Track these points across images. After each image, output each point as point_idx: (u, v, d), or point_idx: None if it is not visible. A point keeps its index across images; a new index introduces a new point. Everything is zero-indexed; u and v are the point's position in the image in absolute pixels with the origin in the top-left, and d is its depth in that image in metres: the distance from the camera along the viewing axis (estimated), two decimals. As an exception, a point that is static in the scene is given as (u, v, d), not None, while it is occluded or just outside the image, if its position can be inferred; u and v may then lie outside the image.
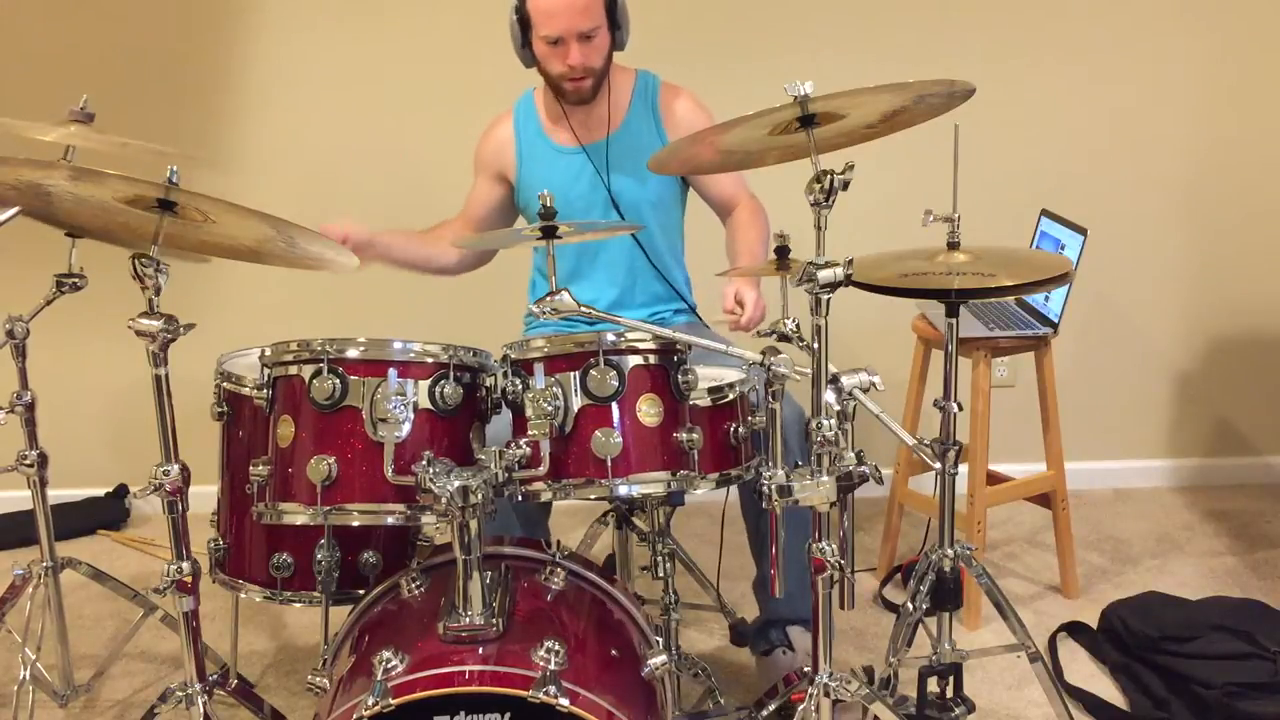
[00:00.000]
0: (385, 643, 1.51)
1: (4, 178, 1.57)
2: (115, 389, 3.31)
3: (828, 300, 1.47)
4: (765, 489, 1.50)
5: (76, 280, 2.11)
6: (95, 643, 2.59)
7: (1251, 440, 3.33)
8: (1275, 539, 2.95)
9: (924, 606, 1.94)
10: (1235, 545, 2.92)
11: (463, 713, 1.43)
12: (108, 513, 3.31)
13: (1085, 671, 2.34)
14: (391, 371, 1.60)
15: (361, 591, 1.83)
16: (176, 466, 1.60)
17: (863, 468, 1.52)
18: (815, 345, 1.49)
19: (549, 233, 1.73)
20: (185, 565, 1.63)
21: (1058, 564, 2.69)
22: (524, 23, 2.19)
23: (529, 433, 1.57)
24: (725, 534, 2.29)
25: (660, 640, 1.77)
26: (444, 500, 1.50)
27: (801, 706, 1.64)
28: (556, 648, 1.48)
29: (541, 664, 1.47)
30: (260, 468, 1.66)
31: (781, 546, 1.60)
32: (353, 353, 1.62)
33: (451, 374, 1.64)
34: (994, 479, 2.67)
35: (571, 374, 1.61)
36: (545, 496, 1.62)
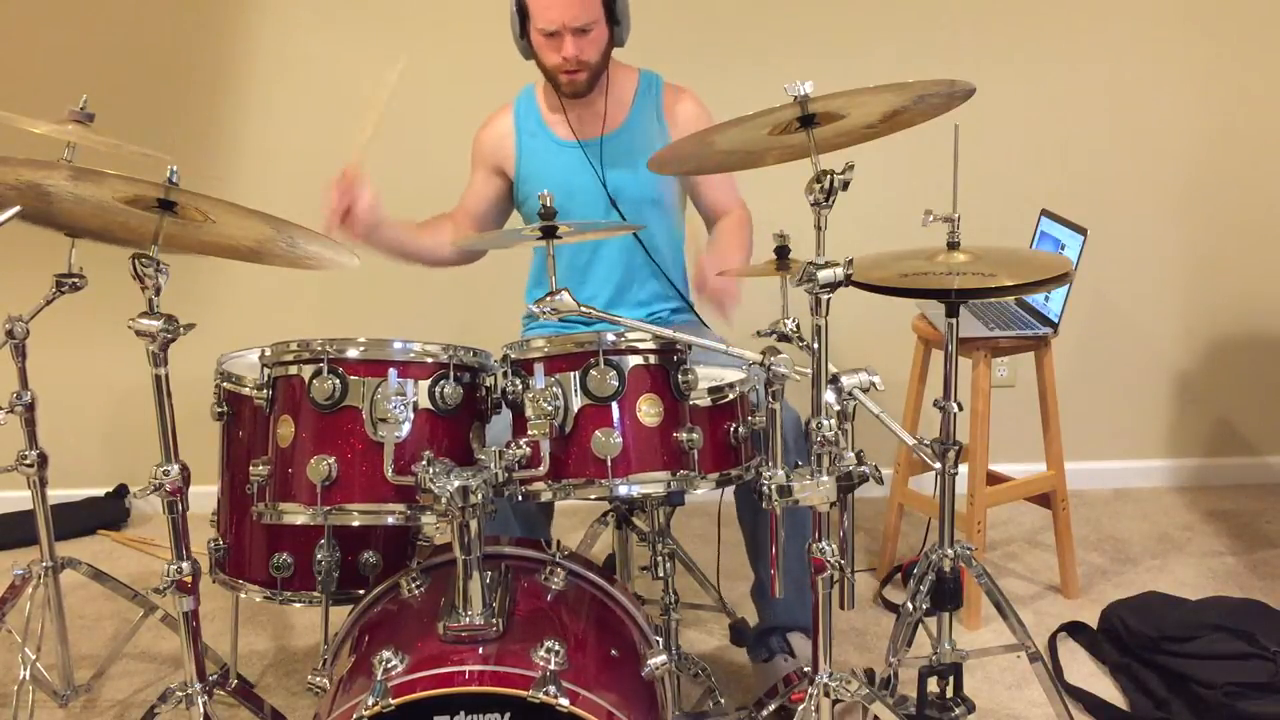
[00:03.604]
0: (385, 643, 1.52)
1: (4, 178, 1.57)
2: (115, 389, 3.31)
3: (828, 300, 1.47)
4: (765, 489, 1.50)
5: (76, 280, 2.11)
6: (95, 643, 2.59)
7: (1251, 440, 3.33)
8: (1275, 539, 2.95)
9: (924, 606, 1.94)
10: (1235, 545, 2.92)
11: (463, 713, 1.43)
12: (108, 513, 3.31)
13: (1085, 671, 2.34)
14: (391, 371, 1.60)
15: (361, 591, 1.83)
16: (176, 466, 1.60)
17: (863, 468, 1.52)
18: (815, 345, 1.49)
19: (549, 233, 1.73)
20: (185, 565, 1.63)
21: (1058, 564, 2.69)
22: (522, 13, 2.19)
23: (529, 433, 1.57)
24: (726, 533, 2.29)
25: (660, 640, 1.77)
26: (444, 500, 1.50)
27: (801, 707, 1.64)
28: (556, 648, 1.49)
29: (541, 664, 1.47)
30: (260, 468, 1.66)
31: (781, 546, 1.60)
32: (353, 353, 1.62)
33: (451, 374, 1.64)
34: (994, 479, 2.67)
35: (571, 374, 1.61)
36: (545, 496, 1.62)
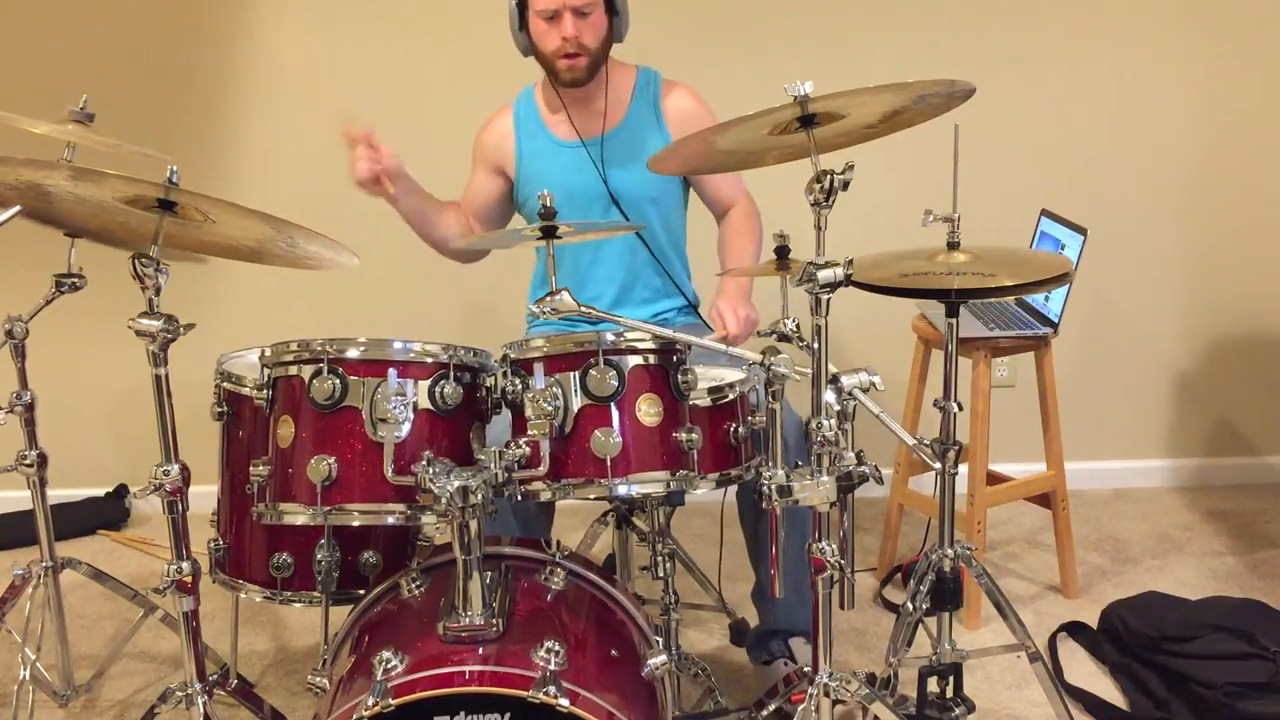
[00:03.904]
0: (385, 643, 1.52)
1: (4, 178, 1.57)
2: (115, 389, 3.31)
3: (828, 300, 1.47)
4: (765, 489, 1.50)
5: (76, 280, 2.11)
6: (95, 643, 2.59)
7: (1251, 440, 3.33)
8: (1275, 539, 2.95)
9: (924, 606, 1.94)
10: (1235, 545, 2.92)
11: (463, 713, 1.43)
12: (108, 513, 3.31)
13: (1085, 671, 2.34)
14: (391, 371, 1.60)
15: (361, 591, 1.83)
16: (176, 466, 1.60)
17: (863, 468, 1.52)
18: (815, 345, 1.49)
19: (549, 233, 1.73)
20: (185, 565, 1.63)
21: (1058, 564, 2.69)
22: (521, 3, 2.20)
23: (529, 433, 1.57)
24: (726, 533, 2.29)
25: (660, 640, 1.77)
26: (444, 500, 1.50)
27: (801, 707, 1.64)
28: (556, 648, 1.48)
29: (541, 664, 1.47)
30: (260, 468, 1.66)
31: (781, 546, 1.60)
32: (353, 353, 1.62)
33: (451, 374, 1.64)
34: (994, 479, 2.67)
35: (571, 374, 1.61)
36: (545, 496, 1.62)
